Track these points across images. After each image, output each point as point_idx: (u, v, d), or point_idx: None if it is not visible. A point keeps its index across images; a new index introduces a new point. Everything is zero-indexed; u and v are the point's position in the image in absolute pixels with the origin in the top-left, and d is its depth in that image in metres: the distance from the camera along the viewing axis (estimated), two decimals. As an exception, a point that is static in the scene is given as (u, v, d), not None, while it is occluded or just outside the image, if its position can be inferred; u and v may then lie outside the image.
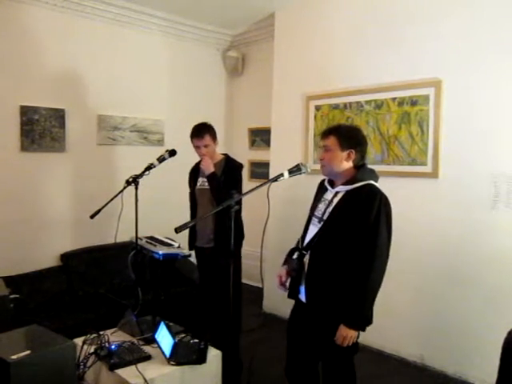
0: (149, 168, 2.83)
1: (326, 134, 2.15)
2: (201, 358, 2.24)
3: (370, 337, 3.23)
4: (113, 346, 2.23)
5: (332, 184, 2.17)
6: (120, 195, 2.75)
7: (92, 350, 2.26)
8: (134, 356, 2.18)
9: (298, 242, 2.27)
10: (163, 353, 2.23)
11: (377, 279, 1.99)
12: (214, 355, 2.33)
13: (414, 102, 3.25)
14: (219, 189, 2.82)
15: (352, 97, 3.63)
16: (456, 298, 3.07)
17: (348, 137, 2.10)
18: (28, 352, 1.72)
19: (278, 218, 3.86)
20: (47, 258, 3.78)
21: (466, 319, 3.02)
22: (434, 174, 3.17)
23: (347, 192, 2.06)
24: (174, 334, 2.36)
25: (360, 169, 2.11)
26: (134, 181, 2.76)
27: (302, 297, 2.14)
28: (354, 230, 1.99)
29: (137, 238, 2.71)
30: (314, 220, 2.16)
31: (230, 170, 2.96)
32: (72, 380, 1.92)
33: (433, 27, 3.14)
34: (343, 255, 2.01)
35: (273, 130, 4.38)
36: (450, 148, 3.09)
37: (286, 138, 4.19)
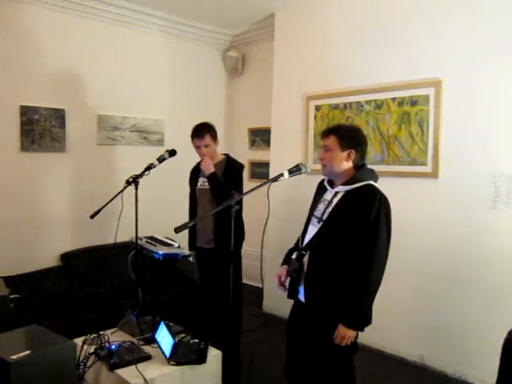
0: (149, 168, 2.83)
1: (326, 133, 2.15)
2: (201, 358, 2.24)
3: (370, 337, 3.24)
4: (113, 346, 2.23)
5: (331, 184, 2.18)
6: (120, 195, 2.75)
7: (92, 350, 2.26)
8: (134, 356, 2.18)
9: (297, 241, 2.27)
10: (163, 353, 2.23)
11: (376, 279, 1.99)
12: (214, 355, 2.33)
13: (413, 101, 3.25)
14: (219, 189, 2.82)
15: (352, 97, 3.63)
16: (456, 298, 3.07)
17: (348, 137, 2.11)
18: (28, 352, 1.72)
19: (278, 218, 3.85)
20: (47, 258, 3.78)
21: (466, 319, 3.02)
22: (433, 174, 3.17)
23: (347, 192, 2.06)
24: (173, 334, 2.36)
25: (360, 169, 2.11)
26: (133, 181, 2.76)
27: (301, 297, 2.15)
28: (354, 231, 1.99)
29: (137, 238, 2.71)
30: (314, 220, 2.16)
31: (230, 170, 2.96)
32: (72, 380, 1.92)
33: (433, 27, 3.14)
34: (342, 255, 2.01)
35: (273, 130, 4.38)
36: (450, 148, 3.09)
37: (286, 138, 4.19)
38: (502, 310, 2.83)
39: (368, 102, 3.53)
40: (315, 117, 3.93)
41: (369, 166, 2.17)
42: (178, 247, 2.58)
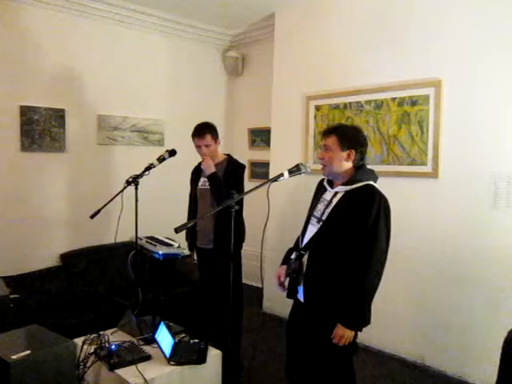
0: (149, 168, 2.83)
1: (326, 133, 2.15)
2: (201, 358, 2.24)
3: (371, 337, 3.24)
4: (113, 346, 2.23)
5: (331, 184, 2.17)
6: (120, 195, 2.75)
7: (92, 350, 2.26)
8: (134, 356, 2.18)
9: (297, 241, 2.27)
10: (163, 353, 2.24)
11: (375, 280, 1.99)
12: (214, 355, 2.33)
13: (413, 102, 3.25)
14: (219, 189, 2.82)
15: (352, 97, 3.63)
16: (456, 298, 3.07)
17: (348, 137, 2.10)
18: (28, 352, 1.72)
19: (278, 218, 3.86)
20: (47, 258, 3.78)
21: (466, 319, 3.02)
22: (434, 174, 3.16)
23: (346, 192, 2.06)
24: (173, 334, 2.36)
25: (359, 169, 2.11)
26: (133, 181, 2.76)
27: (301, 296, 2.14)
28: (353, 231, 1.99)
29: (137, 238, 2.71)
30: (313, 220, 2.16)
31: (231, 170, 2.95)
32: (72, 380, 1.92)
33: (433, 27, 3.14)
34: (342, 256, 2.01)
35: (273, 130, 4.38)
36: (449, 148, 3.09)
37: (286, 138, 4.19)
38: (503, 310, 2.83)
39: (368, 102, 3.53)
40: (315, 117, 3.92)
41: (368, 166, 2.17)
42: (178, 247, 2.58)
